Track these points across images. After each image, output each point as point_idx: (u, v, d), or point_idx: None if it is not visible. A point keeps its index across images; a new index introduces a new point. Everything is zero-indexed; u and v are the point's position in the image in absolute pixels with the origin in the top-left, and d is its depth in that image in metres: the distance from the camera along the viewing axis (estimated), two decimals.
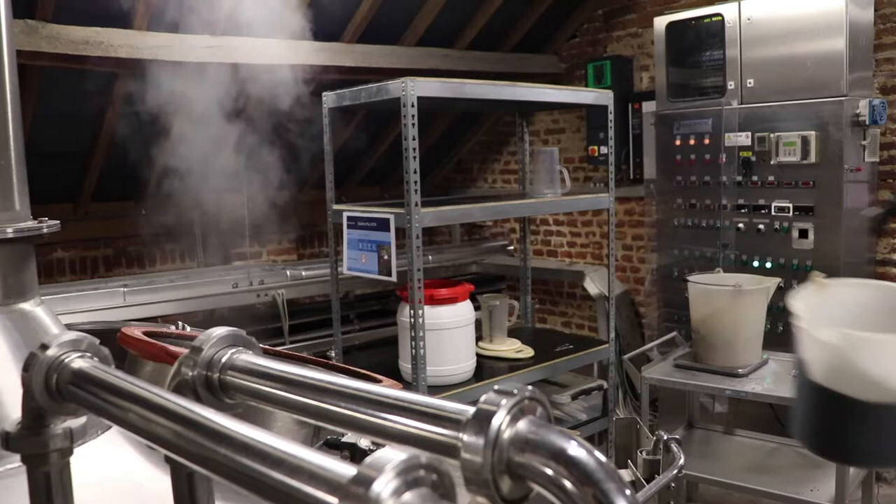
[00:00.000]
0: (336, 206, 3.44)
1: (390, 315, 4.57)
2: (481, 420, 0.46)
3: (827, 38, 3.73)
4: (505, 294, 4.95)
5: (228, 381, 0.67)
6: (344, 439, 1.40)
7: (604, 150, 4.31)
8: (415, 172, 2.90)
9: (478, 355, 3.40)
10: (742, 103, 4.05)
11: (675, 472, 1.85)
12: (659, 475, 1.89)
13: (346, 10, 4.30)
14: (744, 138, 4.01)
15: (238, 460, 0.51)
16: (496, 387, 0.48)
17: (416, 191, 2.91)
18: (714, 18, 4.16)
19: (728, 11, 4.07)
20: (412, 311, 2.97)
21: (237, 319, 4.42)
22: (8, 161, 1.13)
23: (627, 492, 0.43)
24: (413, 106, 2.89)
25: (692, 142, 4.25)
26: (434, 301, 3.19)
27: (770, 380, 3.20)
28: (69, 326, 1.23)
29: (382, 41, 4.60)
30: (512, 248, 6.01)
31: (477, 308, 3.50)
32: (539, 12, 5.05)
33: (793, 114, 3.82)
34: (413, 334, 2.99)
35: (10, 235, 1.10)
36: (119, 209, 4.80)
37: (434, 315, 3.15)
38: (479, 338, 3.57)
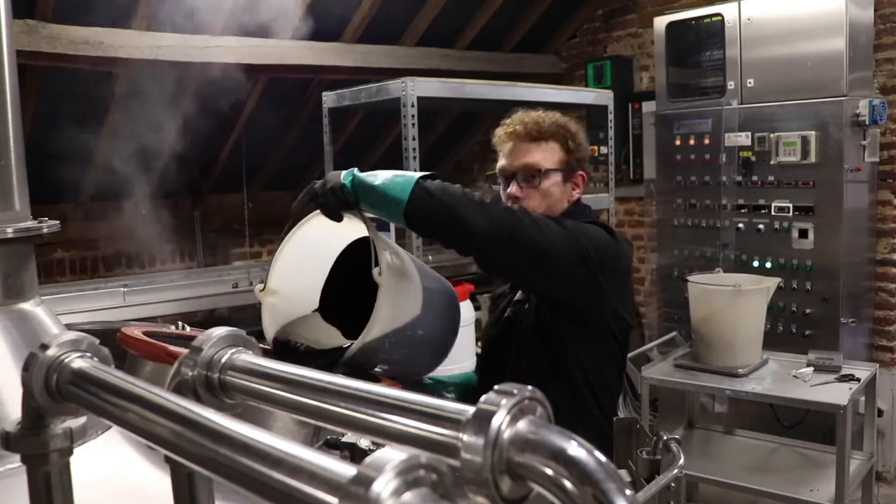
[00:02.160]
0: None
1: None
2: (481, 420, 0.46)
3: (827, 38, 3.73)
4: None
5: (228, 381, 0.66)
6: (344, 439, 1.40)
7: (604, 150, 4.31)
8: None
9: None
10: (742, 103, 4.05)
11: (675, 472, 1.85)
12: (659, 475, 1.89)
13: (346, 10, 4.30)
14: (744, 138, 4.01)
15: (238, 460, 0.51)
16: (496, 387, 0.48)
17: None
18: (714, 18, 4.16)
19: (728, 11, 4.07)
20: None
21: (237, 319, 4.42)
22: (8, 161, 1.13)
23: (627, 492, 0.43)
24: (413, 106, 2.89)
25: (692, 142, 4.25)
26: None
27: (770, 380, 3.19)
28: (69, 326, 1.23)
29: (382, 41, 4.60)
30: None
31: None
32: (539, 12, 5.05)
33: (793, 114, 3.82)
34: None
35: (10, 235, 1.10)
36: (119, 209, 4.80)
37: None
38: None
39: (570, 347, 1.74)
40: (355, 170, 1.49)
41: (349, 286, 1.53)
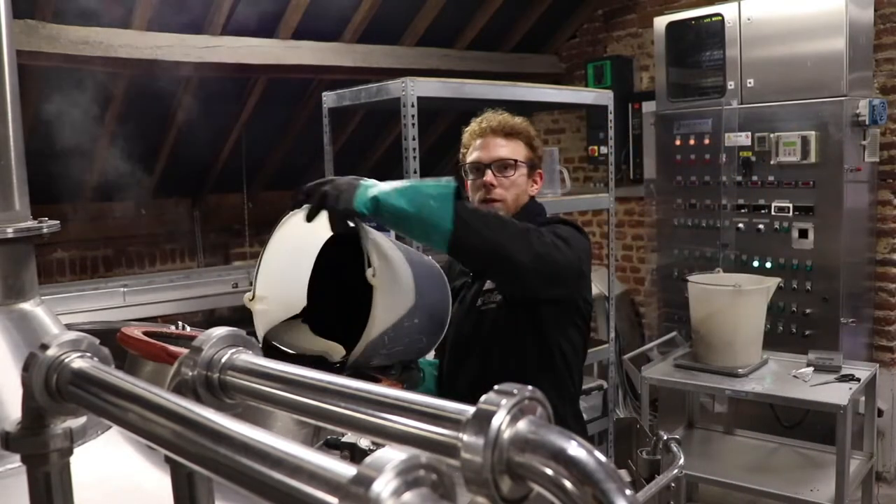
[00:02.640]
0: None
1: None
2: (481, 420, 0.46)
3: (827, 38, 3.73)
4: None
5: (228, 381, 0.66)
6: (344, 439, 1.40)
7: (604, 150, 4.31)
8: (415, 172, 2.91)
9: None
10: (742, 103, 4.05)
11: (675, 472, 1.86)
12: (659, 475, 1.89)
13: (346, 10, 4.30)
14: (744, 138, 4.01)
15: (238, 460, 0.51)
16: (496, 387, 0.48)
17: None
18: (714, 18, 4.16)
19: (728, 11, 4.07)
20: None
21: (237, 319, 4.41)
22: (8, 161, 1.13)
23: (627, 492, 0.43)
24: (413, 106, 2.89)
25: (692, 142, 4.25)
26: None
27: (770, 380, 3.20)
28: (69, 326, 1.23)
29: (382, 41, 4.60)
30: None
31: None
32: (539, 12, 5.05)
33: (793, 114, 3.82)
34: None
35: (10, 235, 1.10)
36: (119, 209, 4.80)
37: None
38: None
39: (549, 330, 1.86)
40: (374, 189, 1.41)
41: (332, 279, 1.53)
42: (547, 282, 1.69)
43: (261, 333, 1.48)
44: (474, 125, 2.06)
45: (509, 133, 1.99)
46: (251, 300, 1.47)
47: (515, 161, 1.95)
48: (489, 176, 1.94)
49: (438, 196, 1.45)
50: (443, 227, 1.44)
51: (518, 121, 2.04)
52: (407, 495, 0.40)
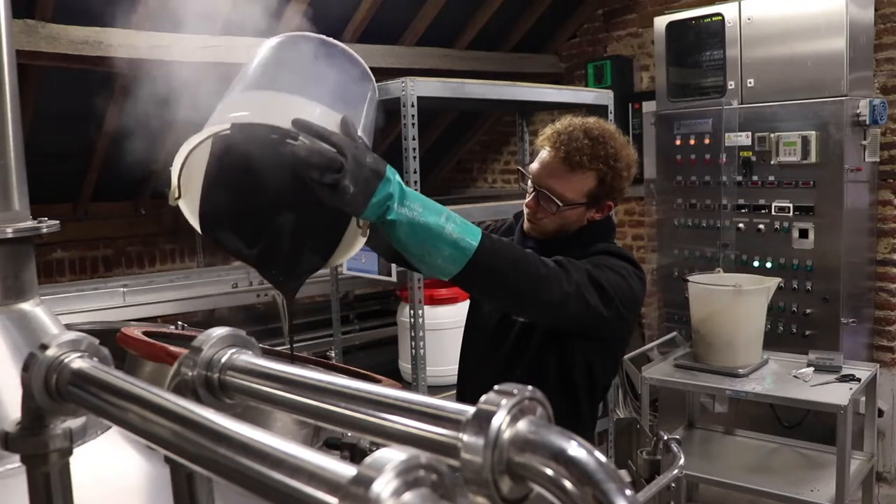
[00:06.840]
0: None
1: (390, 315, 4.57)
2: (481, 420, 0.46)
3: (827, 38, 3.73)
4: None
5: (228, 381, 0.66)
6: (344, 439, 1.40)
7: None
8: (415, 172, 2.91)
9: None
10: (742, 103, 4.05)
11: (675, 472, 1.86)
12: (659, 475, 1.90)
13: (346, 10, 4.30)
14: (744, 138, 4.01)
15: (238, 460, 0.51)
16: (496, 387, 0.48)
17: (415, 191, 2.91)
18: (714, 18, 4.16)
19: (728, 11, 4.07)
20: (412, 311, 2.97)
21: (237, 319, 4.41)
22: (8, 161, 1.13)
23: (627, 492, 0.43)
24: (413, 106, 2.89)
25: (692, 142, 4.25)
26: (434, 301, 3.19)
27: (770, 380, 3.19)
28: (69, 326, 1.23)
29: (382, 41, 4.60)
30: None
31: None
32: (539, 12, 5.05)
33: (793, 114, 3.82)
34: (413, 334, 2.99)
35: (10, 235, 1.10)
36: (119, 209, 4.80)
37: (434, 315, 3.15)
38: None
39: (575, 362, 1.75)
40: (391, 206, 1.28)
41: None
42: (561, 323, 1.63)
43: (196, 224, 1.44)
44: (550, 131, 1.72)
45: (577, 165, 1.65)
46: (177, 198, 1.42)
47: (561, 205, 1.67)
48: (531, 200, 1.71)
49: (451, 257, 1.34)
50: (443, 274, 1.38)
51: (597, 150, 1.66)
52: (407, 495, 0.40)
